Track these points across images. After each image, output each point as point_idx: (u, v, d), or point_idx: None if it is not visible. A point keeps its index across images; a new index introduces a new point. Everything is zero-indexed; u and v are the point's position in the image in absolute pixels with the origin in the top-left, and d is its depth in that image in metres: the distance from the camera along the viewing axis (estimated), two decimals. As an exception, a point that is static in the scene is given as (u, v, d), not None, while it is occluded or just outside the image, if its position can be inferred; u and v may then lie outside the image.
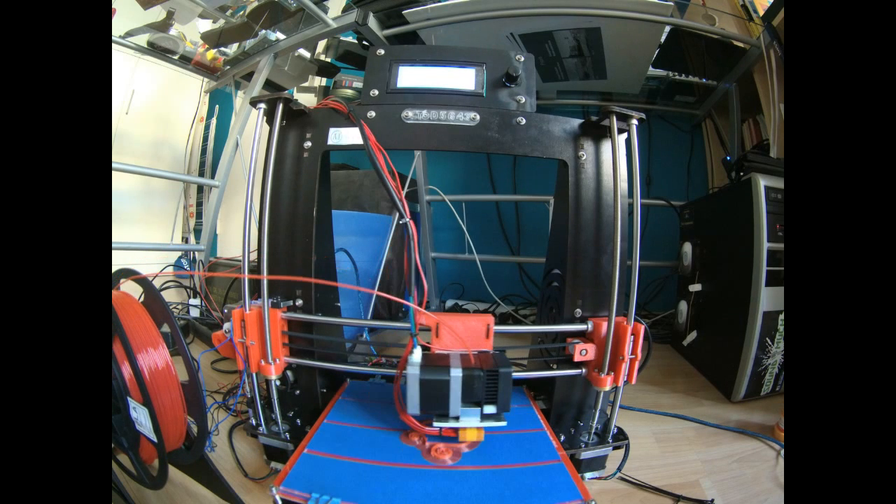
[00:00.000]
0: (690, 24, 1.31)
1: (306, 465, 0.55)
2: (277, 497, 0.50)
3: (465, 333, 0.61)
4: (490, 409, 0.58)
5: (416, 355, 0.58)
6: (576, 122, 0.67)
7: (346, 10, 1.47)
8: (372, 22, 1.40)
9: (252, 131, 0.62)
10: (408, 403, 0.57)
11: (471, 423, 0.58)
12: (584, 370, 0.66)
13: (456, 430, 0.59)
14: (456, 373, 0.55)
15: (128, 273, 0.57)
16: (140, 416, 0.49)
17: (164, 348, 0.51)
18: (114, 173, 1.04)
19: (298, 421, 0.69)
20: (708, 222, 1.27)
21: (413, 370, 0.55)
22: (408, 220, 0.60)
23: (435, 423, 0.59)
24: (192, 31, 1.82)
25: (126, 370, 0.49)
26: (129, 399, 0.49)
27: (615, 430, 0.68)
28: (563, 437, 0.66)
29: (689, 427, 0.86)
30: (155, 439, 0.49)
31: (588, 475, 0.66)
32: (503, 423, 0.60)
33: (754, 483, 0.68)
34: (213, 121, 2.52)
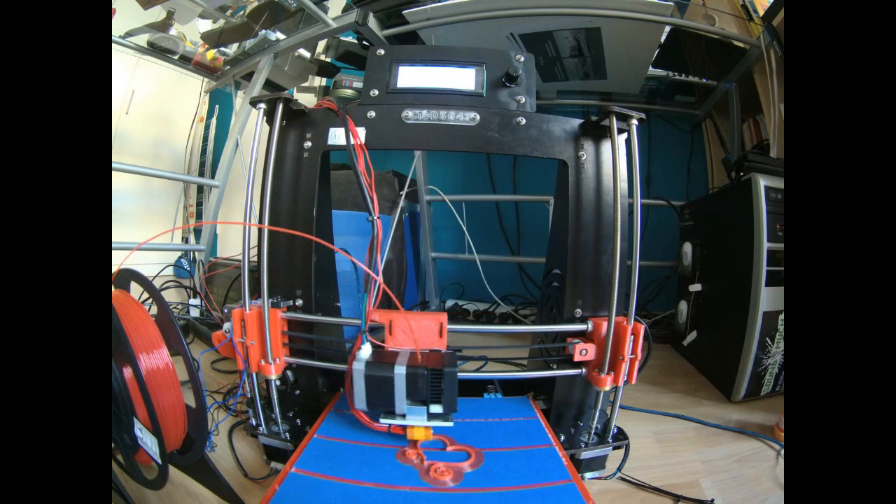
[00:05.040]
0: (690, 24, 1.31)
1: (293, 486, 0.50)
2: None
3: (417, 332, 0.61)
4: (436, 408, 0.58)
5: (365, 351, 0.59)
6: (576, 122, 0.67)
7: (346, 10, 1.47)
8: (372, 22, 1.40)
9: (252, 131, 0.62)
10: (355, 398, 0.57)
11: (417, 421, 0.58)
12: (584, 370, 0.66)
13: (404, 427, 0.59)
14: (400, 370, 0.56)
15: (133, 275, 0.57)
16: (145, 437, 0.49)
17: (164, 348, 0.51)
18: (114, 173, 1.04)
19: (298, 421, 0.69)
20: (708, 222, 1.27)
21: (358, 366, 0.56)
22: (375, 218, 0.61)
23: (382, 420, 0.60)
24: (192, 31, 1.82)
25: (127, 371, 0.49)
26: (134, 419, 0.49)
27: (615, 430, 0.68)
28: (563, 437, 0.66)
29: (689, 427, 0.86)
30: (160, 462, 0.49)
31: (588, 475, 0.66)
32: (449, 424, 0.59)
33: (754, 483, 0.68)
34: (213, 121, 2.52)
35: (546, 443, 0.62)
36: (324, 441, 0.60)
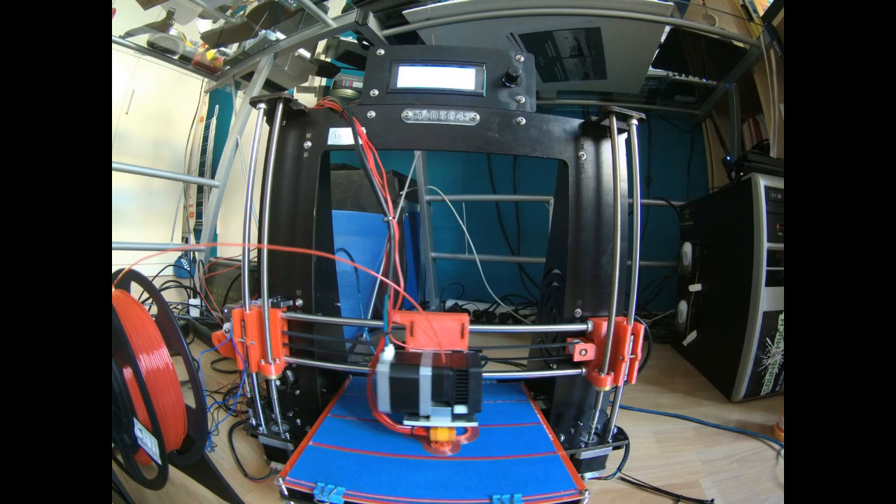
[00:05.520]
0: (690, 24, 1.31)
1: (311, 456, 0.57)
2: (284, 487, 0.51)
3: (440, 333, 0.61)
4: (461, 409, 0.58)
5: (388, 353, 0.59)
6: (576, 122, 0.67)
7: (346, 10, 1.46)
8: (372, 22, 1.40)
9: (252, 131, 0.62)
10: (378, 401, 0.57)
11: (441, 422, 0.59)
12: (584, 370, 0.66)
13: (427, 429, 0.60)
14: (425, 371, 0.56)
15: (133, 275, 0.57)
16: (145, 438, 0.49)
17: (164, 348, 0.51)
18: (114, 173, 1.04)
19: (298, 421, 0.69)
20: (708, 222, 1.26)
21: (383, 368, 0.56)
22: (391, 219, 0.61)
23: (405, 422, 0.60)
24: (192, 31, 1.82)
25: (126, 371, 0.49)
26: (134, 420, 0.49)
27: (615, 430, 0.68)
28: (563, 437, 0.66)
29: (689, 427, 0.86)
30: (160, 463, 0.49)
31: (588, 475, 0.66)
32: (474, 424, 0.60)
33: (754, 483, 0.68)
34: (213, 121, 2.52)
35: (534, 421, 0.69)
36: (337, 419, 0.67)
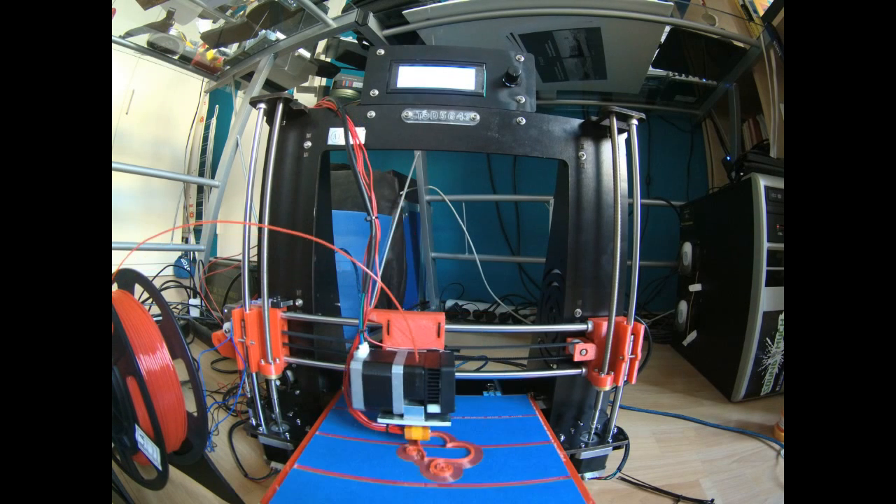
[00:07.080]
0: (690, 24, 1.31)
1: (295, 482, 0.51)
2: None
3: (416, 332, 0.61)
4: (434, 408, 0.58)
5: (363, 351, 0.59)
6: (576, 122, 0.67)
7: (346, 10, 1.46)
8: (372, 22, 1.40)
9: (252, 131, 0.62)
10: (353, 398, 0.57)
11: (415, 421, 0.58)
12: (584, 370, 0.66)
13: (402, 427, 0.59)
14: (397, 370, 0.55)
15: (136, 277, 0.57)
16: (147, 444, 0.49)
17: (164, 348, 0.51)
18: (114, 173, 1.04)
19: (298, 421, 0.69)
20: (708, 222, 1.27)
21: (356, 365, 0.56)
22: (373, 218, 0.61)
23: (379, 420, 0.60)
24: (192, 31, 1.82)
25: (127, 372, 0.49)
26: (136, 426, 0.49)
27: (615, 430, 0.68)
28: (563, 437, 0.66)
29: (689, 427, 0.86)
30: (161, 469, 0.49)
31: (588, 475, 0.66)
32: (447, 424, 0.58)
33: (754, 483, 0.68)
34: (213, 121, 2.52)
35: (544, 440, 0.62)
36: (325, 438, 0.61)
